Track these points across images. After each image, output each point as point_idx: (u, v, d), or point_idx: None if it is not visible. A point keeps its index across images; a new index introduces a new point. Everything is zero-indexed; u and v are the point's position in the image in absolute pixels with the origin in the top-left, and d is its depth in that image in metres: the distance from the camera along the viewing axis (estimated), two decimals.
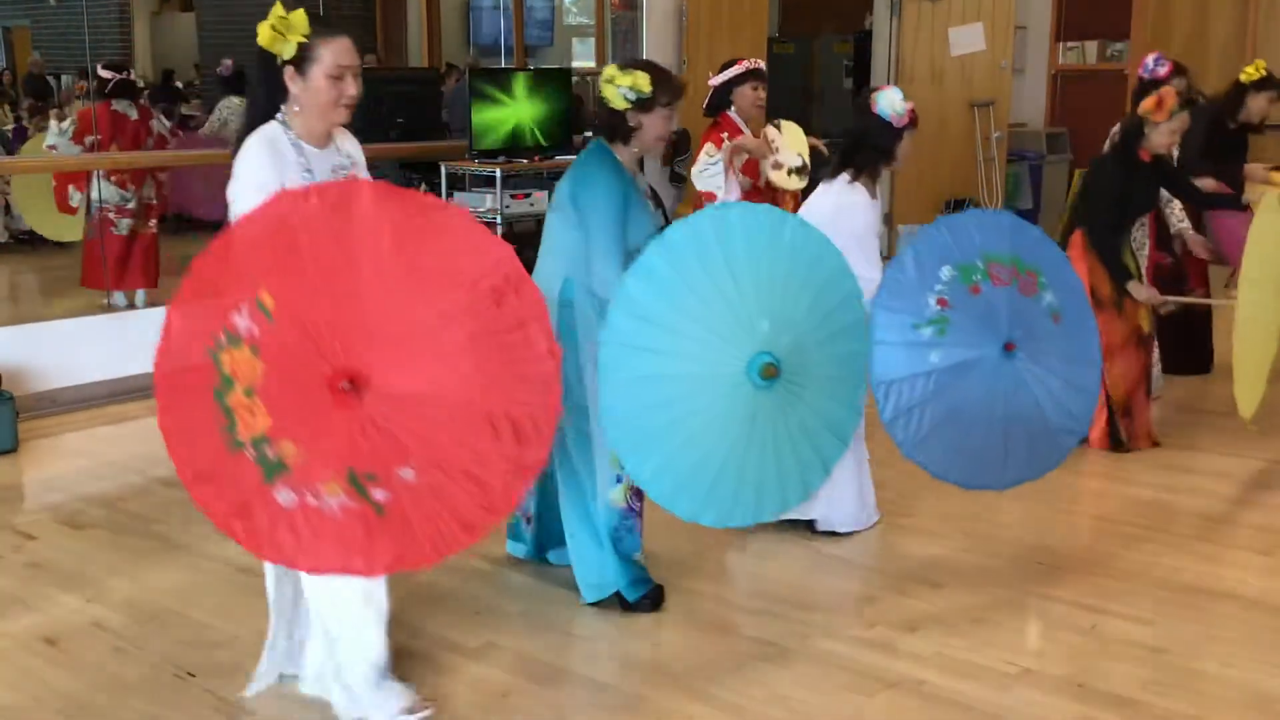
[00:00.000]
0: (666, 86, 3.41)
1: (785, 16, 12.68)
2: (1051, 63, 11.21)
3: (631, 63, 3.44)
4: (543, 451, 2.54)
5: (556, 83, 7.28)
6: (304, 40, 2.69)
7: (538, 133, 6.90)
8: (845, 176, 3.91)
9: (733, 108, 5.15)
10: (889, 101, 3.84)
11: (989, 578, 3.64)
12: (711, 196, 5.07)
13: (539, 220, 6.97)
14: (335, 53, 2.73)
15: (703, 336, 3.14)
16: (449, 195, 6.74)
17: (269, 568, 2.93)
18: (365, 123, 6.92)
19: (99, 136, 7.13)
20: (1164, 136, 4.69)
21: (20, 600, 3.67)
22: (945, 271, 3.56)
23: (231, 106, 8.63)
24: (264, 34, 2.70)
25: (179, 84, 11.31)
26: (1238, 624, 3.49)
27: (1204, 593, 3.69)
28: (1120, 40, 10.60)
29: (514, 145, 6.77)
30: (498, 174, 6.45)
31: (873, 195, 3.92)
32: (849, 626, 3.44)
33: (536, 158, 6.76)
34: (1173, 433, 5.11)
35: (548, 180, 6.75)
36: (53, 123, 8.17)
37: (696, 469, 3.12)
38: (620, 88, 3.35)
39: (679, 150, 8.41)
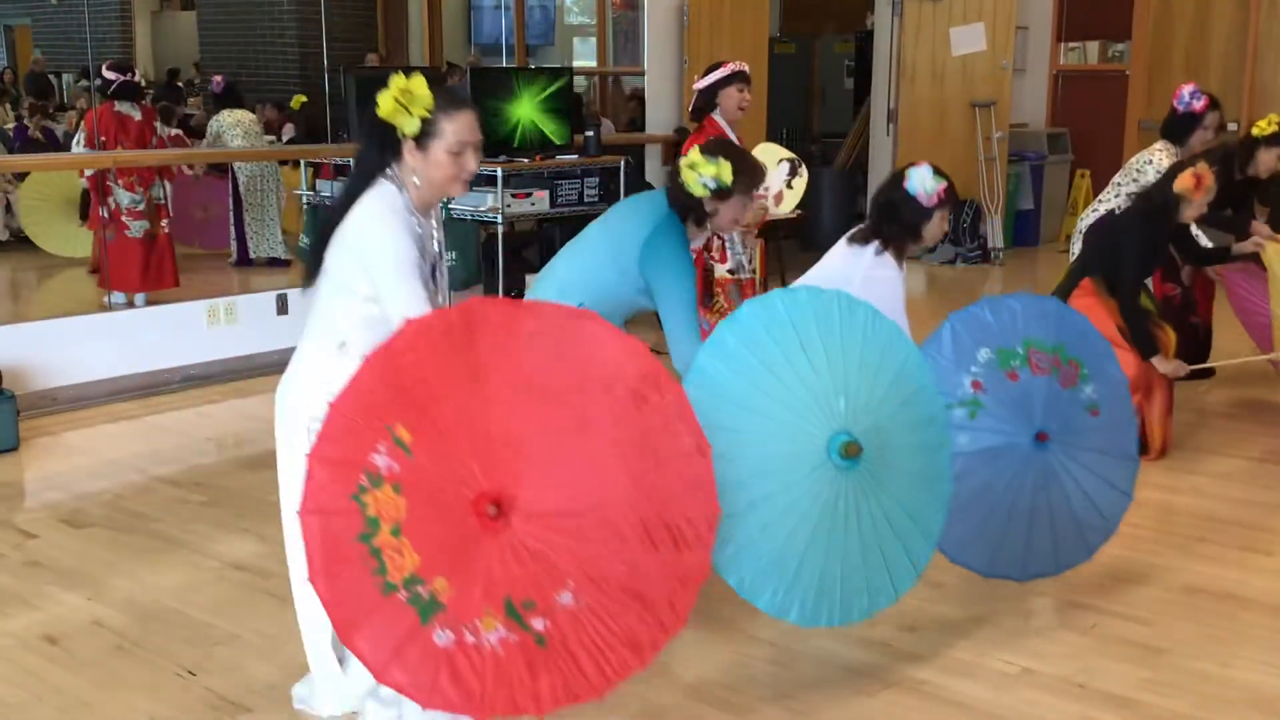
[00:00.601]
0: (748, 177, 3.35)
1: (786, 16, 12.68)
2: (1053, 63, 11.22)
3: (717, 147, 3.36)
4: (705, 557, 2.45)
5: (558, 82, 7.28)
6: (427, 115, 2.61)
7: (539, 132, 6.90)
8: (875, 246, 3.79)
9: (717, 110, 5.13)
10: (920, 180, 3.74)
11: (983, 579, 3.64)
12: None
13: (540, 220, 7.01)
14: (458, 129, 2.63)
15: (779, 414, 3.03)
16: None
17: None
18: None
19: (104, 139, 7.15)
20: (1196, 210, 4.66)
21: (21, 598, 3.67)
22: (983, 354, 3.53)
23: (223, 121, 8.65)
24: (385, 105, 2.60)
25: (180, 84, 11.33)
26: (1237, 624, 3.49)
27: (1204, 593, 3.69)
28: (1122, 41, 10.60)
29: (515, 144, 6.77)
30: (499, 173, 6.45)
31: (900, 265, 3.82)
32: (850, 626, 3.43)
33: (538, 157, 6.77)
34: (1175, 434, 5.10)
35: (548, 180, 6.75)
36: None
37: (779, 557, 2.94)
38: (702, 176, 3.28)
39: (679, 149, 8.42)
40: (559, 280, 3.44)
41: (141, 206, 7.14)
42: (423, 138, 2.61)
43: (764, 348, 3.03)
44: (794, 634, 3.36)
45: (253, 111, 8.98)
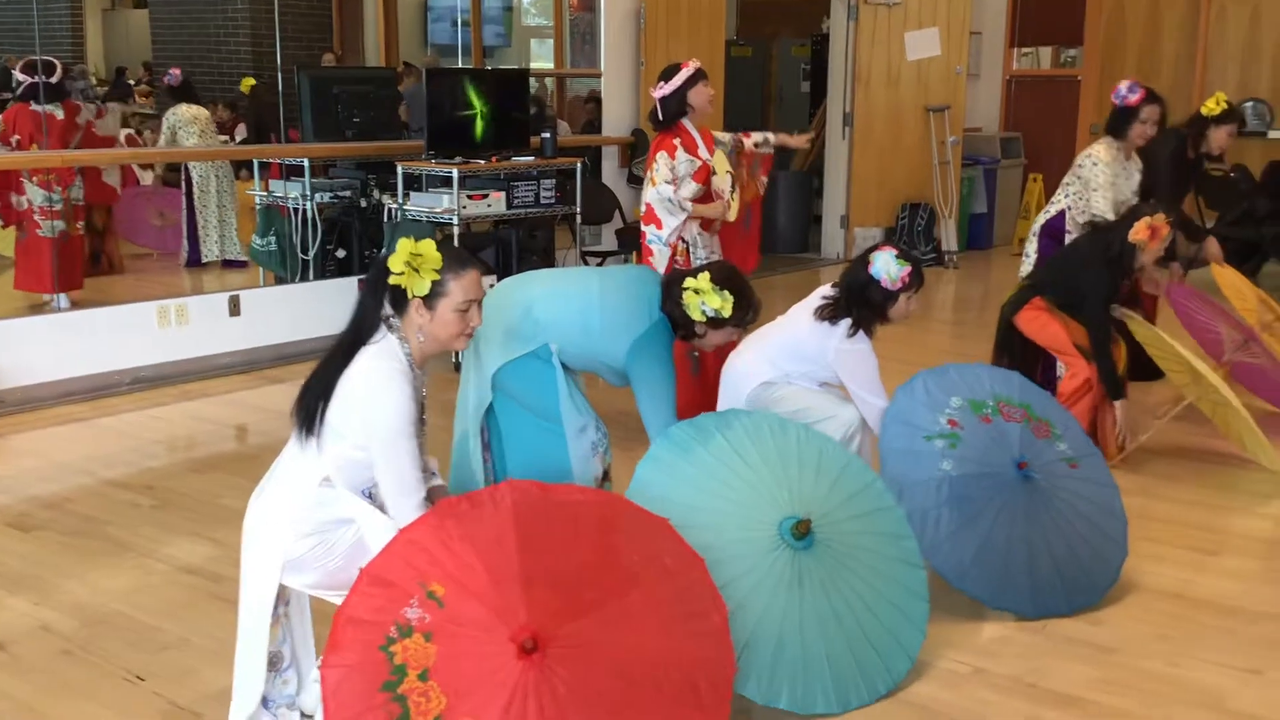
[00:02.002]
0: (743, 314, 3.46)
1: (743, 19, 12.73)
2: (1006, 68, 11.34)
3: (723, 276, 3.44)
4: (723, 710, 2.53)
5: (514, 84, 7.27)
6: (437, 277, 2.66)
7: (495, 134, 6.87)
8: (846, 327, 3.85)
9: (689, 114, 5.12)
10: (883, 266, 3.80)
11: (941, 580, 3.66)
12: (655, 220, 5.07)
13: (496, 221, 6.98)
14: (465, 288, 2.69)
15: (725, 508, 3.14)
16: (405, 195, 6.71)
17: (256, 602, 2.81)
18: (320, 121, 6.96)
19: (19, 138, 7.09)
20: (1152, 256, 4.73)
21: None
22: (955, 400, 3.71)
23: (180, 116, 8.54)
24: (397, 268, 2.64)
25: (130, 82, 11.19)
26: (1185, 624, 3.54)
27: (1152, 592, 3.74)
28: (1074, 46, 10.74)
29: (471, 146, 6.75)
30: (454, 174, 6.43)
31: (870, 339, 3.90)
32: None
33: (494, 159, 6.74)
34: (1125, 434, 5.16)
35: (505, 181, 6.73)
36: None
37: (754, 641, 2.94)
38: (704, 304, 3.39)
39: (636, 152, 8.43)
40: (536, 313, 3.46)
41: (58, 206, 7.06)
42: (431, 298, 2.67)
43: (699, 456, 3.22)
44: None
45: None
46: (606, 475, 3.56)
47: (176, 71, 8.83)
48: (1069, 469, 3.71)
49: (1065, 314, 4.83)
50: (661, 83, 5.16)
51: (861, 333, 3.85)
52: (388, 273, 2.65)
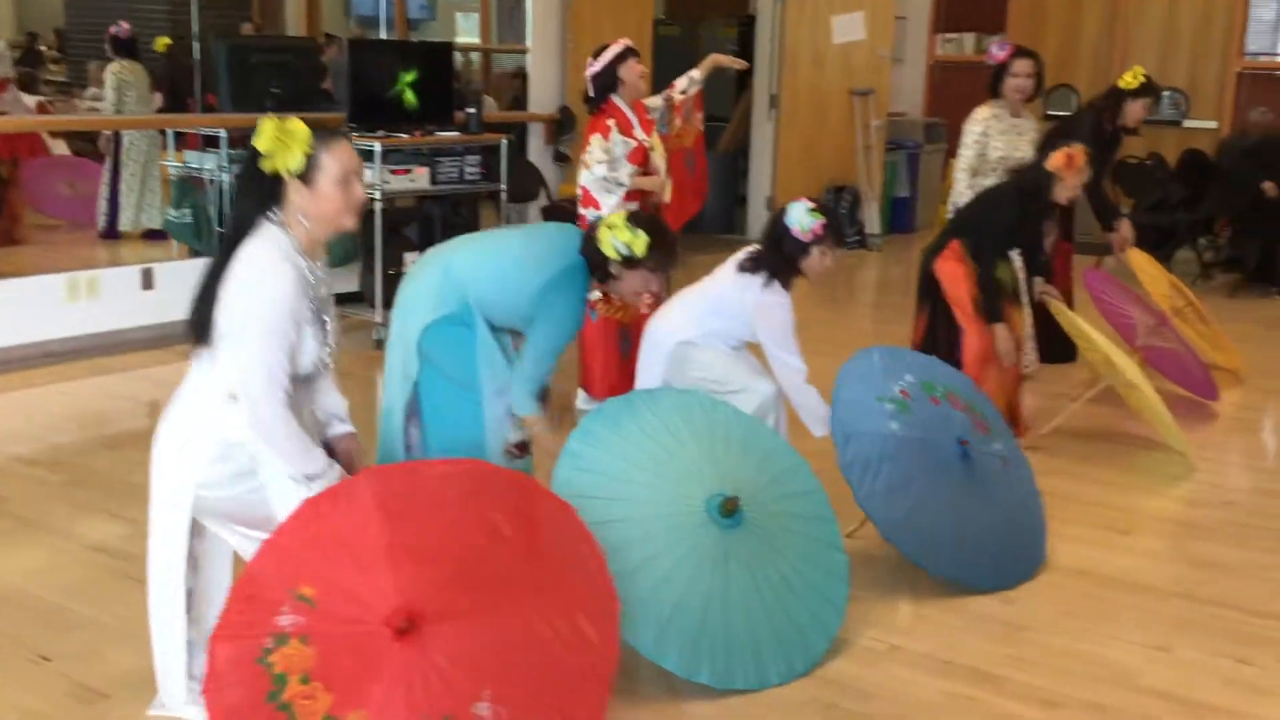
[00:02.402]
0: (660, 256, 3.39)
1: None
2: (929, 54, 11.44)
3: (644, 221, 3.39)
4: (613, 647, 2.52)
5: (438, 57, 7.17)
6: (310, 151, 2.59)
7: (418, 107, 6.78)
8: (764, 276, 3.86)
9: (619, 89, 5.10)
10: (796, 217, 3.82)
11: (861, 559, 3.69)
12: (593, 202, 5.03)
13: (420, 197, 6.89)
14: (340, 160, 2.62)
15: (652, 482, 3.14)
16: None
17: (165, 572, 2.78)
18: (239, 91, 6.81)
19: None
20: (1067, 192, 4.79)
21: None
22: (909, 377, 3.80)
23: (124, 73, 8.24)
24: (266, 146, 2.57)
25: (42, 48, 10.85)
26: (1096, 602, 3.61)
27: (1064, 571, 3.80)
28: (996, 33, 10.86)
29: (394, 120, 6.65)
30: (377, 148, 6.33)
31: (788, 293, 3.91)
32: None
33: (417, 133, 6.65)
34: (1039, 418, 5.25)
35: (428, 156, 6.64)
36: None
37: (676, 615, 2.95)
38: (616, 240, 3.33)
39: (563, 129, 8.37)
40: (457, 272, 3.42)
41: None
42: (308, 174, 2.60)
43: (628, 431, 3.22)
44: None
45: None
46: (527, 447, 3.50)
47: (125, 25, 8.50)
48: (1001, 465, 3.84)
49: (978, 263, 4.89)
50: (592, 60, 5.13)
51: (777, 284, 3.86)
52: (257, 159, 2.58)
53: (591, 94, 5.12)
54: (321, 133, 2.64)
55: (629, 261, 3.35)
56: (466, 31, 11.00)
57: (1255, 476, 4.93)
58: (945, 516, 3.60)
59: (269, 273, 2.55)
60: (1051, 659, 3.24)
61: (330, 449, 2.78)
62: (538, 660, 2.41)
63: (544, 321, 3.34)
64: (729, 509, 3.11)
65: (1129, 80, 5.86)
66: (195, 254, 7.03)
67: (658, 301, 4.75)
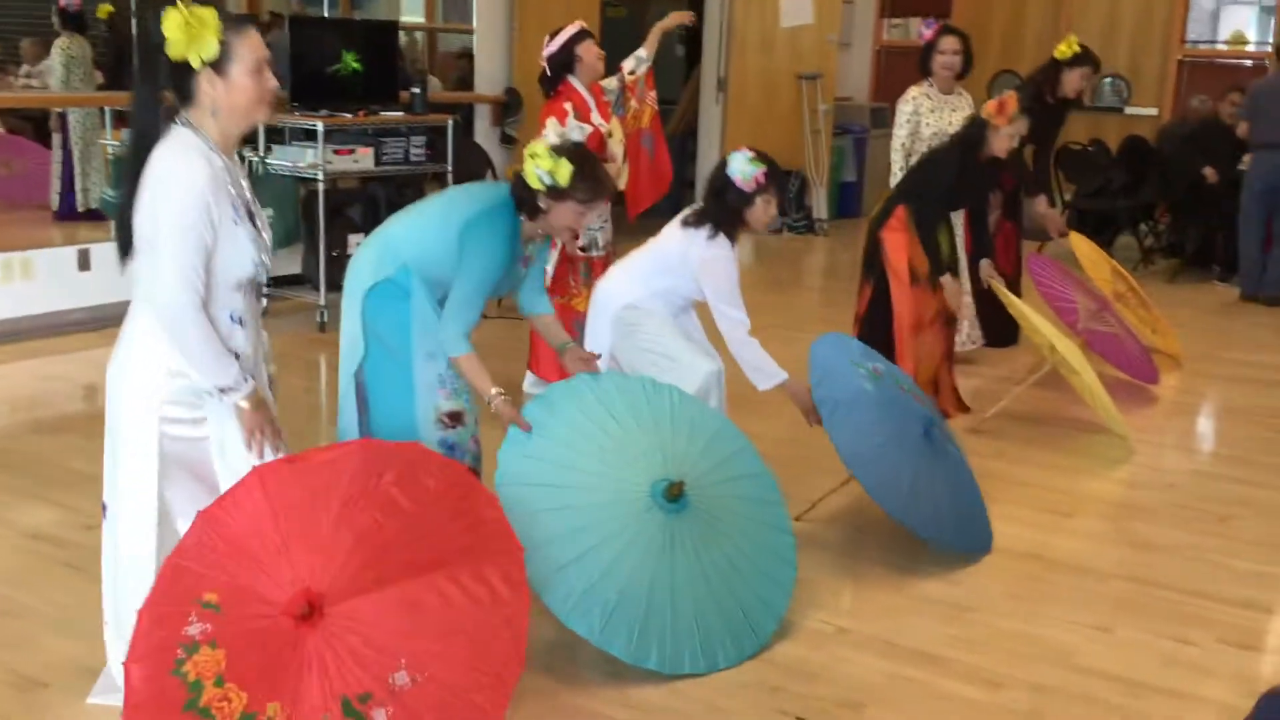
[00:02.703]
0: (587, 186, 3.26)
1: None
2: (876, 38, 11.48)
3: (565, 149, 3.28)
4: (522, 595, 2.50)
5: (382, 36, 7.08)
6: (222, 39, 2.49)
7: (362, 87, 6.69)
8: (708, 229, 3.85)
9: (576, 69, 5.03)
10: (738, 166, 3.80)
11: (807, 540, 3.71)
12: None
13: (364, 178, 6.81)
14: (252, 47, 2.53)
15: (596, 469, 3.11)
16: (267, 149, 6.50)
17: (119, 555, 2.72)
18: None
19: None
20: (1004, 141, 4.83)
21: None
22: (881, 365, 3.91)
23: (73, 47, 8.00)
24: (176, 35, 2.45)
25: None
26: (1041, 583, 3.64)
27: (1008, 553, 3.84)
28: (942, 18, 10.91)
29: (337, 99, 6.56)
30: (320, 128, 6.24)
31: (733, 247, 3.89)
32: None
33: (360, 113, 6.57)
34: (983, 401, 5.30)
35: (373, 137, 6.57)
36: None
37: (622, 601, 2.93)
38: (538, 169, 3.21)
39: (509, 111, 8.30)
40: (392, 238, 3.38)
41: None
42: (221, 64, 2.51)
43: (571, 417, 3.19)
44: None
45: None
46: (460, 417, 3.40)
47: None
48: (958, 466, 3.92)
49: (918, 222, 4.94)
50: (549, 39, 5.06)
51: (722, 237, 3.85)
52: (161, 51, 2.48)
53: (549, 73, 5.04)
54: (231, 18, 2.55)
55: (555, 192, 3.23)
56: (411, 10, 10.86)
57: (1194, 459, 5.01)
58: (907, 466, 3.64)
59: (178, 170, 2.47)
60: (995, 640, 3.27)
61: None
62: (451, 622, 2.42)
63: (466, 259, 3.23)
64: (674, 494, 3.10)
65: (1064, 50, 5.98)
66: None
67: (606, 264, 4.74)
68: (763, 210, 3.86)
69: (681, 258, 3.89)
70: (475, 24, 8.40)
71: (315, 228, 6.48)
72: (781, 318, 6.31)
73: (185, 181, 2.46)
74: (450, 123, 6.94)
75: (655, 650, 2.95)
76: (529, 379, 5.25)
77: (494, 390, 3.20)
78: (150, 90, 2.55)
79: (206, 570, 2.41)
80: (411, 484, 2.58)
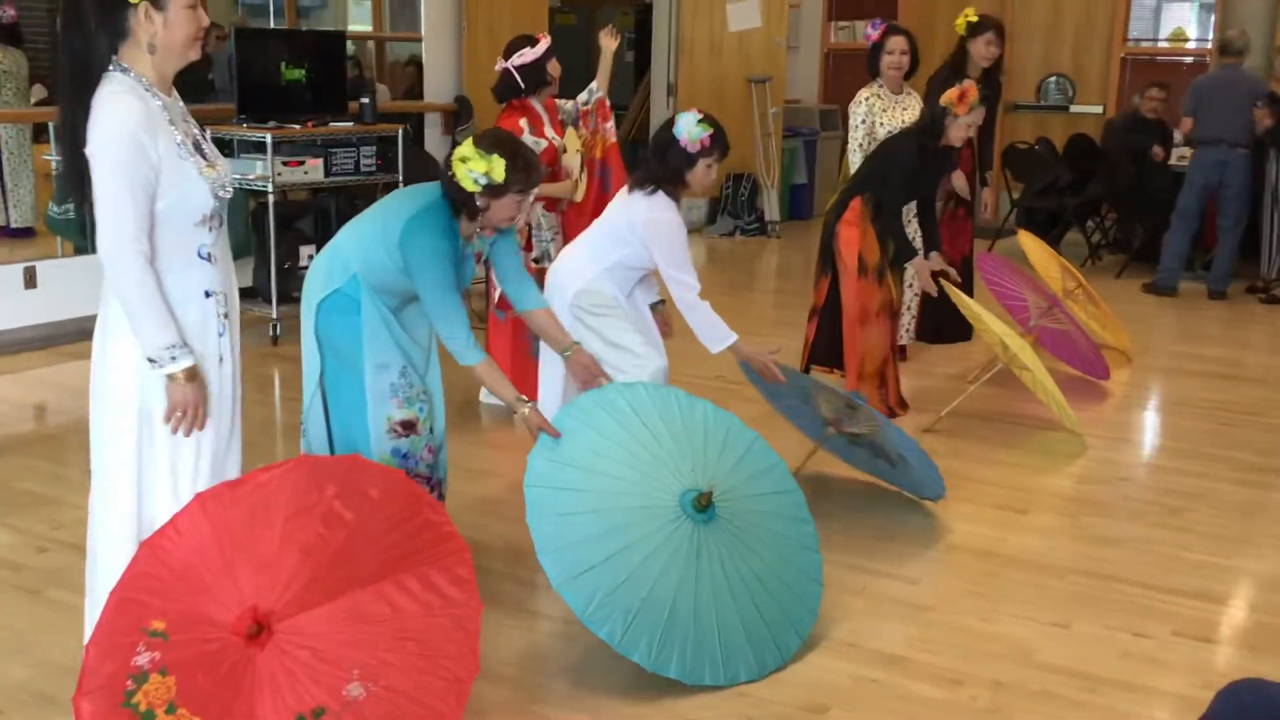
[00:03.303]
0: (523, 175, 3.20)
1: None
2: (824, 41, 11.55)
3: (490, 141, 3.20)
4: (472, 595, 2.48)
5: (330, 46, 7.04)
6: None
7: (311, 97, 6.65)
8: (648, 189, 3.86)
9: (540, 90, 4.96)
10: (685, 127, 3.81)
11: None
12: None
13: (314, 189, 6.76)
14: None
15: (626, 474, 3.08)
16: None
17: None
18: None
19: None
20: (961, 130, 4.88)
21: None
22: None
23: (6, 61, 7.85)
24: None
25: None
26: (997, 580, 3.67)
27: (965, 551, 3.87)
28: (888, 20, 11.00)
29: (285, 110, 6.51)
30: (268, 140, 6.19)
31: (677, 208, 3.89)
32: None
33: (309, 123, 6.52)
34: (935, 398, 5.34)
35: (322, 148, 6.52)
36: None
37: (646, 608, 2.90)
38: (472, 171, 3.14)
39: (459, 119, 8.27)
40: (340, 249, 3.35)
41: None
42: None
43: (602, 423, 3.16)
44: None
45: None
46: (413, 426, 3.38)
47: (11, 11, 8.09)
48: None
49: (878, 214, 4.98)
50: (515, 54, 4.93)
51: (665, 197, 3.85)
52: None
53: (522, 85, 4.93)
54: None
55: (492, 189, 3.18)
56: (359, 19, 10.80)
57: (1146, 453, 5.08)
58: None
59: (105, 114, 2.44)
60: (954, 638, 3.30)
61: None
62: (401, 630, 2.41)
63: (411, 266, 3.19)
64: (702, 504, 3.07)
65: (961, 23, 6.13)
66: (79, 251, 6.81)
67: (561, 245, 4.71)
68: (704, 173, 3.87)
69: (628, 224, 3.88)
70: (423, 32, 8.37)
71: (266, 240, 6.42)
72: (735, 320, 6.27)
73: (114, 124, 2.43)
74: (400, 132, 6.90)
75: (676, 659, 2.92)
76: (484, 390, 5.23)
77: (517, 398, 3.16)
78: (78, 31, 2.49)
79: (152, 599, 2.39)
80: (353, 495, 2.57)
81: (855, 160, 5.74)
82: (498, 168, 3.14)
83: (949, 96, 4.82)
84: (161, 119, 2.50)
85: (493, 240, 3.42)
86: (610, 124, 5.34)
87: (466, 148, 3.17)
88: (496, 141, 3.21)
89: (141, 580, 2.42)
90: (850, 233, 4.90)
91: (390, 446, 3.33)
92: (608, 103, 5.19)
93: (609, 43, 5.25)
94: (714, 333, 3.85)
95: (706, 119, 3.84)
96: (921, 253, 5.07)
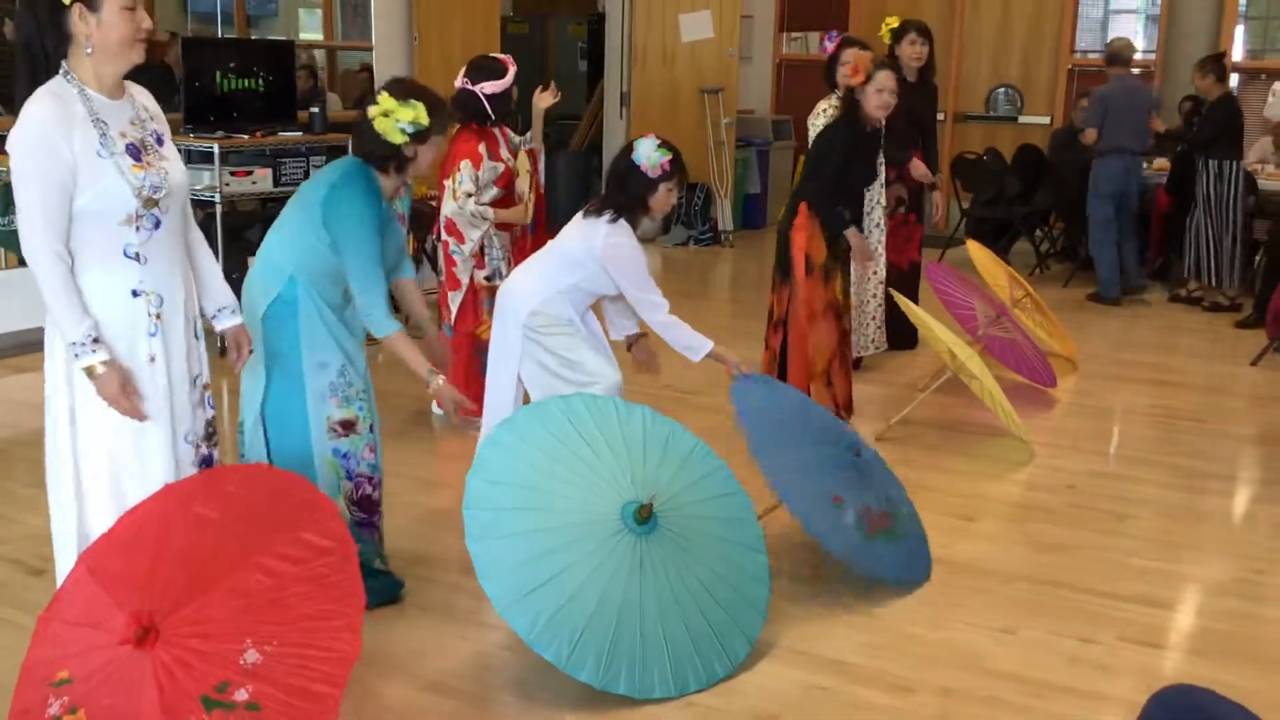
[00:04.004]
0: (442, 114, 3.27)
1: None
2: (776, 52, 11.61)
3: (403, 89, 3.24)
4: (345, 540, 2.51)
5: (280, 55, 6.99)
6: None
7: (260, 107, 6.59)
8: (609, 215, 3.87)
9: (509, 114, 4.94)
10: (644, 151, 3.84)
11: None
12: (457, 234, 4.90)
13: (263, 199, 6.71)
14: None
15: (566, 491, 3.08)
16: None
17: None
18: None
19: None
20: (874, 99, 4.95)
21: None
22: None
23: None
24: None
25: None
26: (945, 587, 3.70)
27: None
28: (839, 31, 11.08)
29: (233, 120, 6.46)
30: (216, 150, 6.13)
31: (635, 229, 3.92)
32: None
33: (258, 133, 6.47)
34: (886, 408, 5.38)
35: (270, 157, 6.47)
36: None
37: (591, 626, 2.91)
38: (399, 122, 3.17)
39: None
40: (270, 255, 3.33)
41: None
42: (91, 0, 2.53)
43: (540, 439, 3.15)
44: None
45: None
46: (351, 426, 3.34)
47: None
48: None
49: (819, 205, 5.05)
50: (482, 78, 4.88)
51: (624, 222, 3.87)
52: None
53: (491, 115, 4.89)
54: None
55: (419, 135, 3.22)
56: (309, 27, 10.74)
57: (1092, 460, 5.13)
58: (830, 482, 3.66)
59: (23, 114, 2.53)
60: (905, 645, 3.32)
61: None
62: (280, 590, 2.46)
63: (339, 236, 3.19)
64: (644, 515, 3.07)
65: (884, 32, 6.29)
66: (24, 263, 6.71)
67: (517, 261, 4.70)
68: (665, 197, 3.91)
69: (586, 249, 3.88)
70: (374, 41, 8.33)
71: (214, 251, 6.34)
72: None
73: (24, 125, 2.51)
74: (350, 141, 6.85)
75: (624, 675, 2.92)
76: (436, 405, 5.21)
77: (430, 370, 3.24)
78: (31, 29, 2.57)
79: (55, 656, 2.48)
80: (214, 497, 2.65)
81: None
82: (421, 112, 3.21)
83: (846, 76, 4.98)
84: (81, 118, 2.54)
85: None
86: (540, 176, 5.29)
87: (385, 101, 3.21)
88: (408, 89, 3.27)
89: (43, 648, 2.53)
90: (800, 238, 4.96)
91: (331, 447, 3.33)
92: (539, 152, 5.18)
93: (543, 100, 5.18)
94: (692, 343, 3.90)
95: (664, 144, 3.86)
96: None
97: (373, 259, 3.20)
